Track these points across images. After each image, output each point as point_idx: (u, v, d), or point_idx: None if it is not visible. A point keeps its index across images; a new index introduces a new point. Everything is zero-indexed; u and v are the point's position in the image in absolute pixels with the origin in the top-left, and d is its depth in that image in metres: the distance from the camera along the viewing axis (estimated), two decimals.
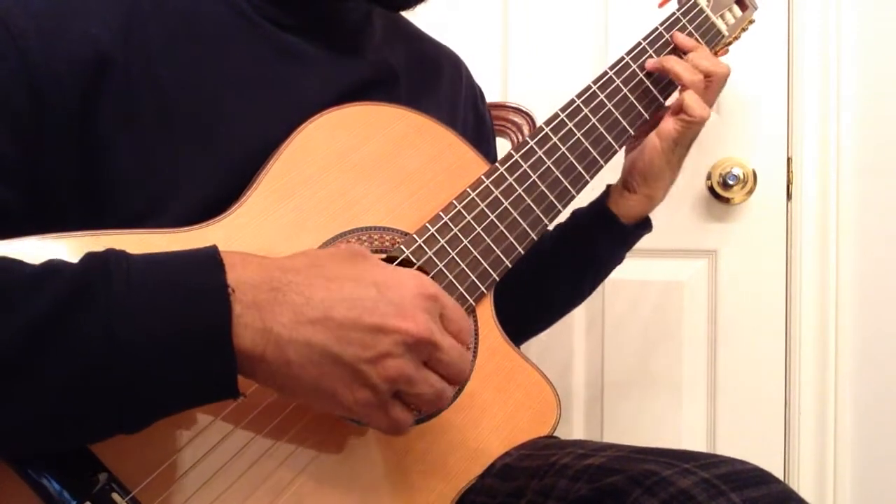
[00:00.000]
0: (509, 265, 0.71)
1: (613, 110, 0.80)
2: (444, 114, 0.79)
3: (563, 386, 1.28)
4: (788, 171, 1.21)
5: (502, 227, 0.71)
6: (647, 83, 0.83)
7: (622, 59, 0.83)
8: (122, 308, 0.45)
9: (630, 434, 1.26)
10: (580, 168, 0.77)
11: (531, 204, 0.74)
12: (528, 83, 1.29)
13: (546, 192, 0.75)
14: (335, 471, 0.59)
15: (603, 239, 0.88)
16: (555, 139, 0.76)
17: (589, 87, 0.80)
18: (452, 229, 0.69)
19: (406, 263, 0.66)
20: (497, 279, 0.70)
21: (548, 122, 0.77)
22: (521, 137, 1.07)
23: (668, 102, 0.85)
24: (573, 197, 0.77)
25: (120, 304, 0.45)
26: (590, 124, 0.79)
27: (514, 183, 0.73)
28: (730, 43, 0.94)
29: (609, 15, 1.26)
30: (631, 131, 0.82)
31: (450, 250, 0.68)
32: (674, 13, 0.87)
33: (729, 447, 1.22)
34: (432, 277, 0.66)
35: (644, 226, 0.88)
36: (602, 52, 1.26)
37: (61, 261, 0.48)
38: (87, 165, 0.59)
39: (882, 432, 1.17)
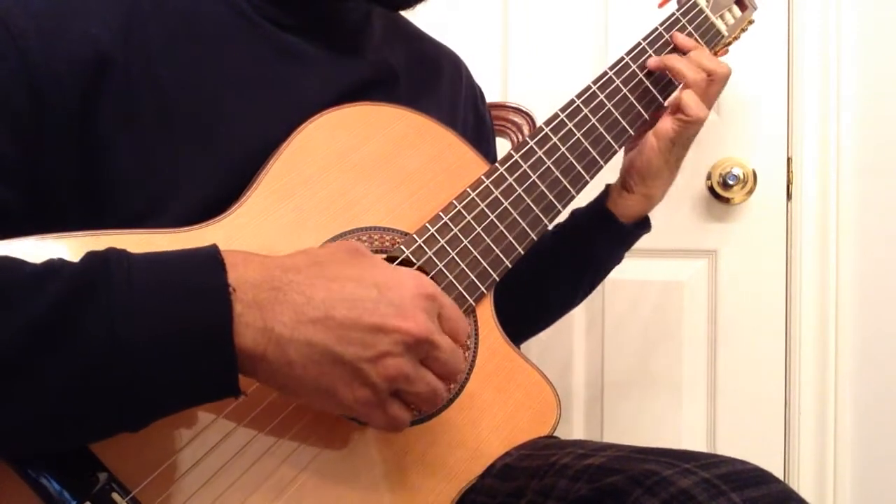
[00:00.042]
0: (509, 265, 0.71)
1: (613, 110, 0.80)
2: (444, 114, 0.79)
3: (563, 386, 1.28)
4: (788, 171, 1.21)
5: (502, 227, 0.71)
6: (647, 83, 0.83)
7: (622, 59, 0.83)
8: (123, 307, 0.45)
9: (630, 434, 1.26)
10: (580, 168, 0.77)
11: (531, 204, 0.74)
12: (528, 83, 1.29)
13: (546, 191, 0.75)
14: (336, 470, 0.59)
15: (601, 239, 0.88)
16: (555, 139, 0.77)
17: (589, 88, 0.80)
18: (452, 229, 0.69)
19: (406, 263, 0.66)
20: (497, 279, 0.70)
21: (548, 123, 0.77)
22: (521, 137, 1.07)
23: (668, 103, 0.85)
24: (573, 197, 0.77)
25: (121, 303, 0.45)
26: (589, 124, 0.79)
27: (513, 183, 0.73)
28: (729, 43, 0.94)
29: (609, 15, 1.26)
30: (631, 131, 0.82)
31: (450, 250, 0.68)
32: (673, 13, 0.87)
33: (729, 447, 1.22)
34: (432, 277, 0.66)
35: (643, 225, 0.88)
36: (602, 52, 1.26)
37: (62, 260, 0.48)
38: (87, 165, 0.59)
39: (882, 432, 1.17)
